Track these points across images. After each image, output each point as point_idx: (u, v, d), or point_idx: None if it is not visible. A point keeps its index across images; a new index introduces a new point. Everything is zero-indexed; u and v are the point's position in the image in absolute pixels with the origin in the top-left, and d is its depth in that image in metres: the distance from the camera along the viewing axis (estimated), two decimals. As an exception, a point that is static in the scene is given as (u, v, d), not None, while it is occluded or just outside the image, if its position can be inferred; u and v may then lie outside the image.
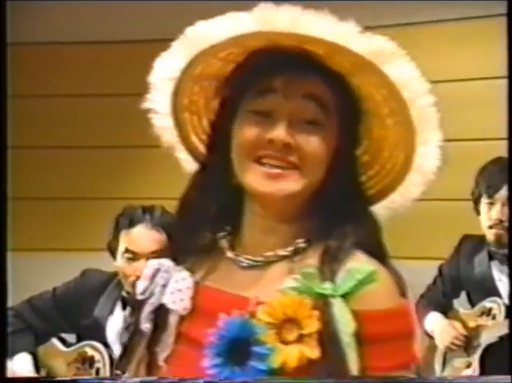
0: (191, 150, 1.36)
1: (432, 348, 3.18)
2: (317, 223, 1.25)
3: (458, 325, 3.13)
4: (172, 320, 1.27)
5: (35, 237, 4.22)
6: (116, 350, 2.68)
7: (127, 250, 2.66)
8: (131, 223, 2.68)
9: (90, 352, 2.77)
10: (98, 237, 4.08)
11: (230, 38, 1.20)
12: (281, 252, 1.24)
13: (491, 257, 3.12)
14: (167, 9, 4.08)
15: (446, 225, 3.73)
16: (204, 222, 1.30)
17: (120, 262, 2.71)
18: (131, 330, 1.31)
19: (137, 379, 1.24)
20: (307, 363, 1.14)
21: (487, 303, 3.08)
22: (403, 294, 1.21)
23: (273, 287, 1.19)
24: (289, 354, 1.14)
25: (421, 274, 3.33)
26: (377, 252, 1.23)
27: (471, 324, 3.11)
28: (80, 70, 4.25)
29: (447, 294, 3.26)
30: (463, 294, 3.23)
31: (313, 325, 1.15)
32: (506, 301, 3.02)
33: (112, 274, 2.81)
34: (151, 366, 1.29)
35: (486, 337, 3.06)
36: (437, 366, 3.13)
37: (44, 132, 4.33)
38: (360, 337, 1.14)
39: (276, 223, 1.25)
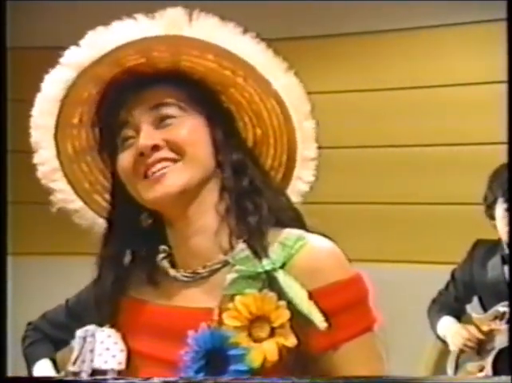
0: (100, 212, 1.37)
1: (445, 352, 3.18)
2: (231, 209, 1.25)
3: (471, 327, 3.11)
4: (110, 379, 1.27)
5: (35, 241, 4.22)
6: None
7: None
8: None
9: None
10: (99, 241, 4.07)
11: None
12: (221, 258, 1.24)
13: (504, 261, 3.09)
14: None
15: (459, 229, 3.73)
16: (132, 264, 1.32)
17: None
18: None
19: (140, 380, 1.24)
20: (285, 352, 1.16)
21: (500, 308, 3.06)
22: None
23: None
24: (268, 350, 1.16)
25: (433, 278, 3.33)
26: (296, 222, 1.26)
27: (484, 328, 3.09)
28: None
29: (460, 299, 3.24)
30: (476, 299, 3.21)
31: (283, 316, 1.16)
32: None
33: None
34: None
35: (499, 341, 3.04)
36: (449, 370, 3.11)
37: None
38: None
39: (192, 223, 1.26)
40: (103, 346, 1.27)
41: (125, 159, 1.25)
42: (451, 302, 3.25)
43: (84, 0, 4.09)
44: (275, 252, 1.20)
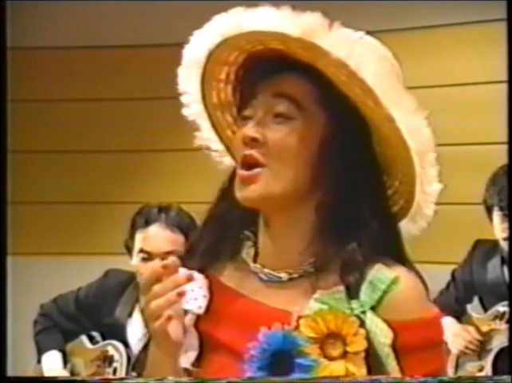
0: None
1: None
2: (325, 230, 1.21)
3: (471, 329, 3.11)
4: (188, 321, 1.24)
5: (35, 241, 4.22)
6: (135, 351, 2.67)
7: (141, 250, 2.60)
8: (147, 223, 2.61)
9: (111, 351, 2.78)
10: (98, 241, 4.08)
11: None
12: (305, 268, 1.21)
13: (504, 262, 3.10)
14: (168, 14, 4.08)
15: (459, 230, 3.72)
16: (228, 230, 1.29)
17: (135, 262, 2.68)
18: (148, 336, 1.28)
19: (141, 380, 1.23)
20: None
21: (500, 307, 3.06)
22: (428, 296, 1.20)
23: (304, 302, 1.17)
24: (334, 371, 1.13)
25: (434, 278, 3.33)
26: (397, 255, 1.21)
27: (484, 328, 3.09)
28: (80, 74, 4.25)
29: (460, 299, 3.23)
30: (476, 299, 3.21)
31: (360, 344, 1.14)
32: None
33: (133, 275, 2.78)
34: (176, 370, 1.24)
35: (499, 341, 3.04)
36: (449, 370, 3.12)
37: (43, 136, 4.33)
38: (395, 348, 1.13)
39: (280, 229, 1.23)
40: (188, 287, 1.23)
41: (236, 139, 1.24)
42: (452, 302, 3.23)
43: (85, 0, 4.10)
44: (366, 293, 1.16)
